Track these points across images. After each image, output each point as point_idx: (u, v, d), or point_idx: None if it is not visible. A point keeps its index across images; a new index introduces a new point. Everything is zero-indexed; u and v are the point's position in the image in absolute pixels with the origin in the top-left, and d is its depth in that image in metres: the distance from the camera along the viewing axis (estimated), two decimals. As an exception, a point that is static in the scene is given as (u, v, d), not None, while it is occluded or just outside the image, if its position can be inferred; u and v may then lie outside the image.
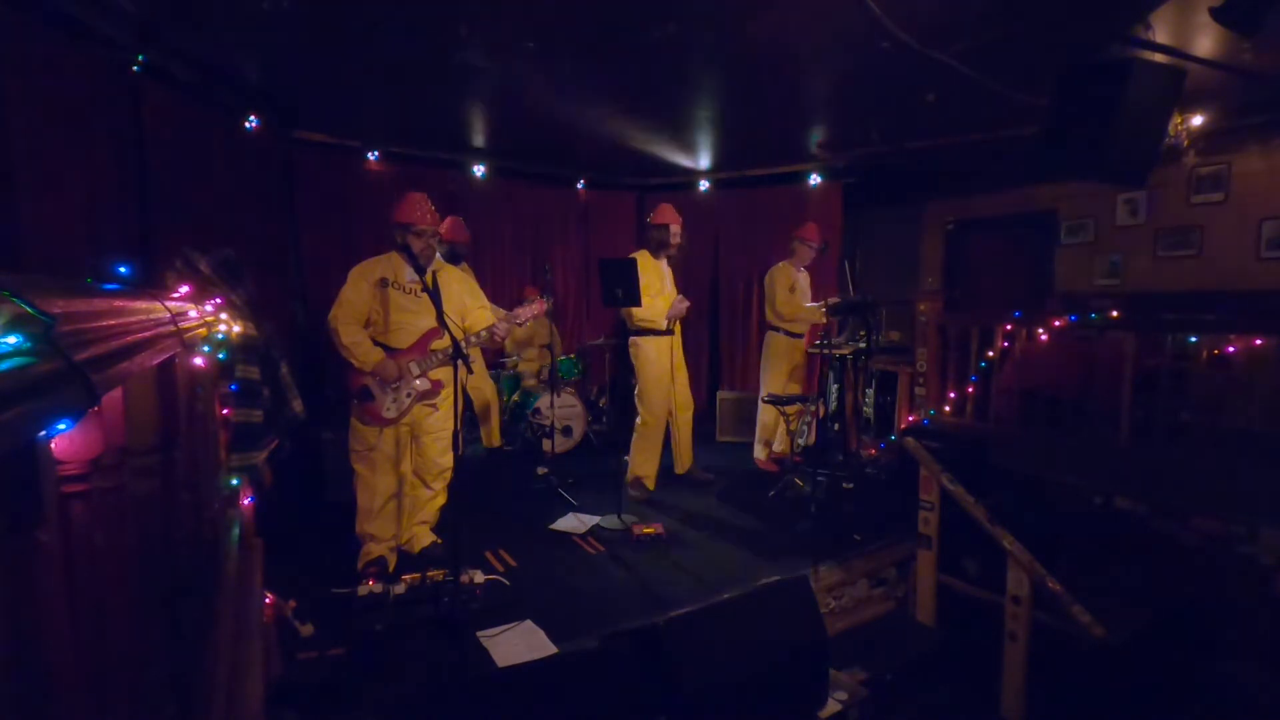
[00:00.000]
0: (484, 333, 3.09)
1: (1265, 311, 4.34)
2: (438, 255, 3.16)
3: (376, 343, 2.96)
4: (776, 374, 4.81)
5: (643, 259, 4.09)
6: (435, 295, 2.77)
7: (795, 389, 4.91)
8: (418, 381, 2.99)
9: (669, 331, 4.17)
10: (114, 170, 3.17)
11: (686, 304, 4.14)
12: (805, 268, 4.90)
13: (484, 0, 2.88)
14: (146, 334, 0.89)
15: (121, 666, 0.94)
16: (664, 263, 4.21)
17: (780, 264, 4.83)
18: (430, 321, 2.99)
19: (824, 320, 4.79)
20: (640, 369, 4.18)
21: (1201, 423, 3.85)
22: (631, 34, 3.20)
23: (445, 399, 3.09)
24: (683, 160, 5.90)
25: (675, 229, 4.16)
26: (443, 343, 3.00)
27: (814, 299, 5.11)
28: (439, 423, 3.10)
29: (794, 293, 4.79)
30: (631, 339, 4.22)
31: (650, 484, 4.23)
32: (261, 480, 2.57)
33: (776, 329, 4.82)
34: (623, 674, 2.29)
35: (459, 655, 2.35)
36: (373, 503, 3.00)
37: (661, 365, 4.14)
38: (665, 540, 3.45)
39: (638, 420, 4.22)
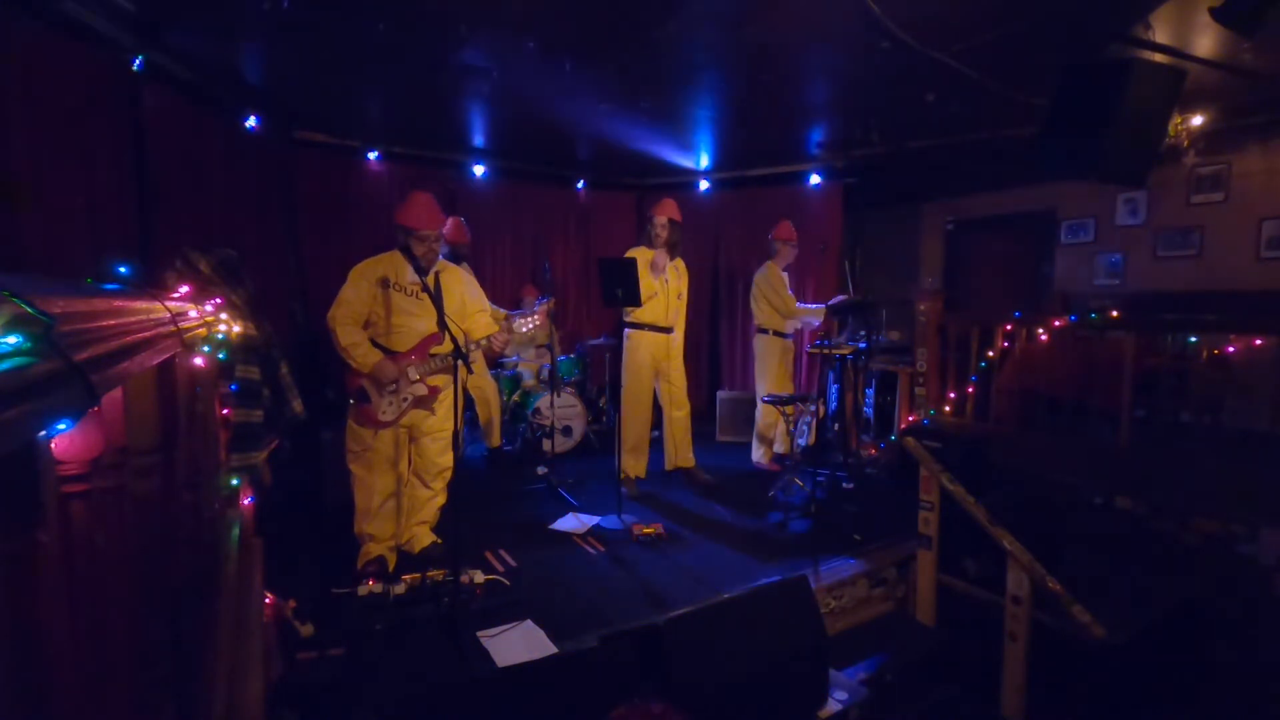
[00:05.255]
0: (483, 341, 3.08)
1: (1265, 311, 4.34)
2: (440, 256, 3.16)
3: (376, 344, 2.95)
4: (770, 375, 4.81)
5: (639, 253, 4.13)
6: (437, 298, 2.76)
7: (789, 389, 4.91)
8: (415, 386, 2.97)
9: (658, 328, 4.16)
10: (114, 170, 3.17)
11: (664, 258, 4.08)
12: (785, 268, 4.87)
13: (484, 0, 2.89)
14: (146, 334, 0.89)
15: (121, 666, 0.94)
16: (663, 257, 4.18)
17: (767, 265, 4.79)
18: (430, 325, 2.97)
19: (819, 318, 4.80)
20: (625, 364, 4.23)
21: (1201, 423, 3.85)
22: (632, 34, 3.20)
23: (444, 400, 3.08)
24: (683, 160, 5.90)
25: (659, 219, 4.13)
26: (442, 348, 2.99)
27: (809, 299, 5.10)
28: (438, 423, 3.10)
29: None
30: (626, 332, 4.25)
31: (632, 477, 4.25)
32: (261, 480, 2.57)
33: (766, 330, 4.81)
34: (623, 674, 2.29)
35: (459, 655, 2.35)
36: (370, 502, 3.00)
37: (641, 359, 4.16)
38: (665, 540, 3.45)
39: (618, 417, 4.27)
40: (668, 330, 4.19)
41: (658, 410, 4.38)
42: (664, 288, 4.13)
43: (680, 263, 4.29)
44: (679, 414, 4.34)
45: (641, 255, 4.07)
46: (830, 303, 4.65)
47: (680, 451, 4.43)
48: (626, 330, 4.23)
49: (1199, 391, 3.87)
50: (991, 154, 5.14)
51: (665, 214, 4.13)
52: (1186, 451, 3.63)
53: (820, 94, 4.22)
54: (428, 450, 3.11)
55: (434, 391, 3.02)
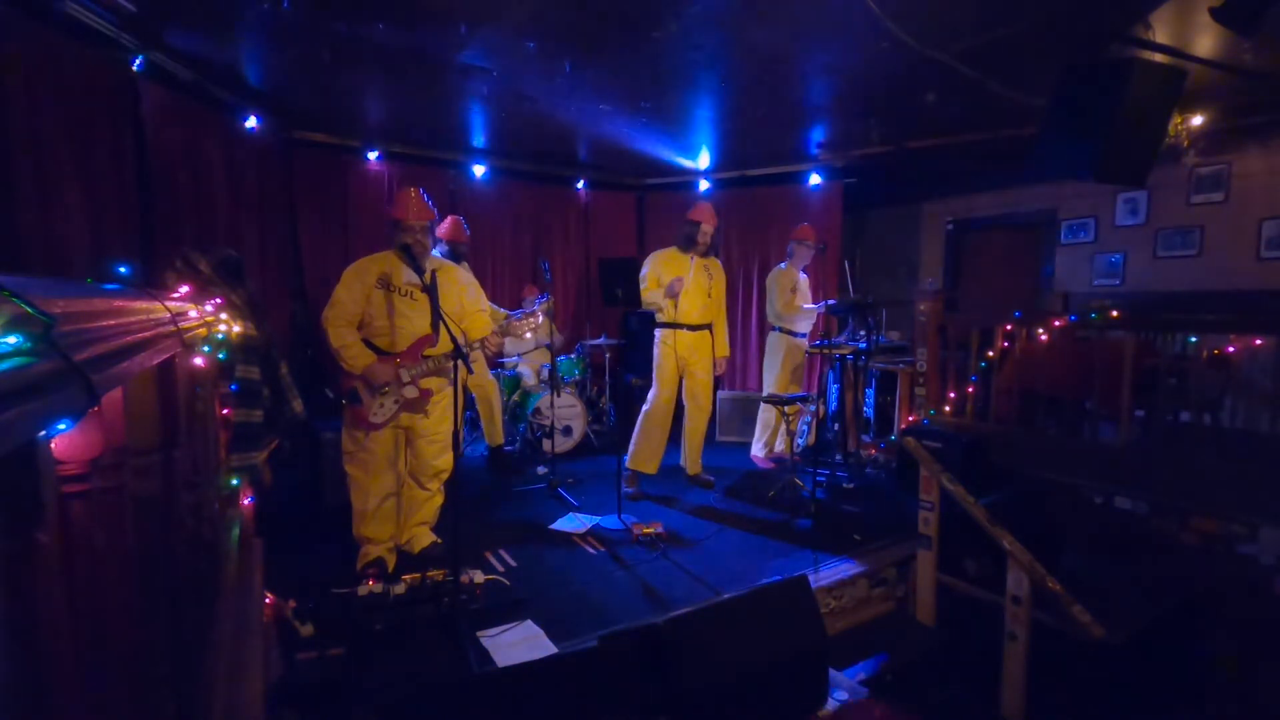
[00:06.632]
0: (476, 344, 3.07)
1: (1265, 311, 4.34)
2: (438, 254, 3.15)
3: (371, 345, 2.93)
4: (779, 373, 4.85)
5: (667, 256, 4.24)
6: (433, 298, 2.75)
7: (797, 388, 4.93)
8: (406, 388, 2.95)
9: (688, 327, 4.20)
10: (114, 170, 3.17)
11: (682, 283, 4.15)
12: (804, 269, 4.94)
13: (484, 0, 2.88)
14: (146, 334, 0.89)
15: (121, 666, 0.94)
16: (692, 259, 4.23)
17: (781, 267, 4.87)
18: (424, 327, 2.96)
19: (815, 319, 4.85)
20: (654, 362, 4.27)
21: (1201, 423, 3.85)
22: (632, 33, 3.20)
23: (439, 401, 3.07)
24: (683, 160, 5.90)
25: (706, 228, 4.22)
26: (435, 350, 2.98)
27: (814, 299, 5.13)
28: (433, 425, 3.08)
29: (794, 294, 4.82)
30: (656, 331, 4.30)
31: (636, 480, 4.27)
32: (261, 480, 2.57)
33: (778, 329, 4.87)
34: (623, 674, 2.29)
35: (459, 655, 2.35)
36: (366, 504, 2.99)
37: (665, 354, 4.20)
38: (665, 540, 3.45)
39: (643, 408, 4.27)
40: (697, 328, 4.24)
41: (678, 411, 4.41)
42: (693, 288, 4.21)
43: (714, 263, 4.37)
44: (697, 415, 4.36)
45: (673, 259, 4.22)
46: (828, 303, 4.67)
47: (691, 456, 4.45)
48: (657, 330, 4.30)
49: (1199, 391, 3.86)
50: (991, 154, 5.14)
51: (712, 223, 4.26)
52: (1186, 451, 3.63)
53: (820, 94, 4.21)
54: (423, 452, 3.10)
55: (426, 394, 3.00)
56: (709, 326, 4.30)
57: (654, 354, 4.28)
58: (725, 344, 4.43)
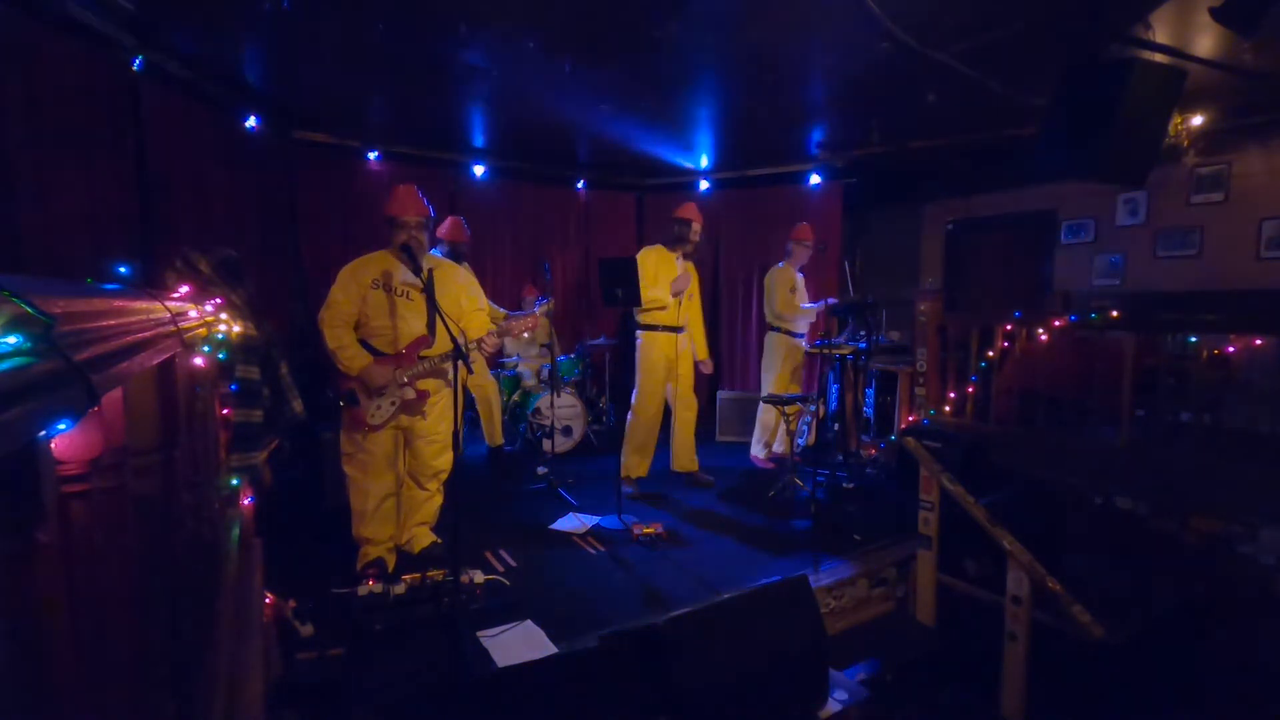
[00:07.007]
0: (472, 344, 3.06)
1: (1265, 311, 4.34)
2: (437, 254, 3.14)
3: (368, 346, 2.92)
4: (778, 373, 4.85)
5: (657, 252, 4.20)
6: (430, 297, 2.74)
7: (796, 389, 4.93)
8: (403, 390, 2.94)
9: (673, 329, 4.18)
10: (114, 170, 3.17)
11: (688, 280, 4.16)
12: (801, 269, 4.94)
13: (484, 0, 2.89)
14: (146, 334, 0.89)
15: (121, 666, 0.94)
16: (679, 258, 4.23)
17: (780, 266, 4.87)
18: (421, 328, 2.96)
19: (815, 319, 4.85)
20: (639, 365, 4.22)
21: (1201, 423, 3.85)
22: (632, 33, 3.20)
23: (436, 402, 3.06)
24: (683, 160, 5.91)
25: (696, 227, 4.23)
26: (432, 351, 2.98)
27: (811, 299, 5.14)
28: (431, 426, 3.07)
29: (794, 293, 4.82)
30: (638, 333, 4.25)
31: (634, 478, 4.26)
32: (261, 480, 2.56)
33: (777, 329, 4.87)
34: (623, 674, 2.29)
35: (459, 655, 2.35)
36: (365, 505, 2.98)
37: (655, 360, 4.17)
38: (665, 540, 3.45)
39: (629, 417, 4.24)
40: (677, 330, 4.23)
41: (666, 411, 4.40)
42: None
43: (690, 265, 4.37)
44: (688, 415, 4.34)
45: (659, 254, 4.19)
46: (827, 302, 4.67)
47: (685, 454, 4.44)
48: (639, 331, 4.25)
49: (1199, 391, 3.87)
50: (991, 154, 5.14)
51: (699, 220, 4.26)
52: (1186, 451, 3.63)
53: (820, 94, 4.22)
54: (422, 453, 3.09)
55: (423, 395, 2.99)
56: (682, 329, 4.29)
57: (640, 356, 4.22)
58: (704, 346, 4.44)
